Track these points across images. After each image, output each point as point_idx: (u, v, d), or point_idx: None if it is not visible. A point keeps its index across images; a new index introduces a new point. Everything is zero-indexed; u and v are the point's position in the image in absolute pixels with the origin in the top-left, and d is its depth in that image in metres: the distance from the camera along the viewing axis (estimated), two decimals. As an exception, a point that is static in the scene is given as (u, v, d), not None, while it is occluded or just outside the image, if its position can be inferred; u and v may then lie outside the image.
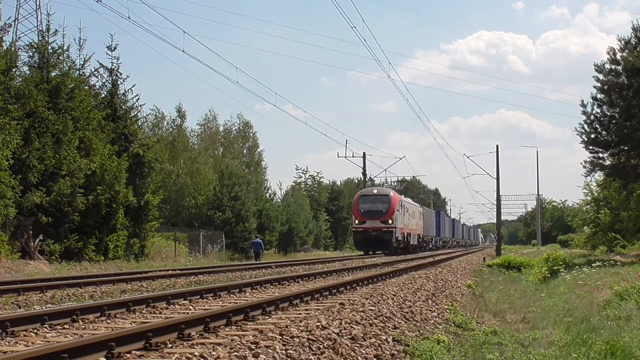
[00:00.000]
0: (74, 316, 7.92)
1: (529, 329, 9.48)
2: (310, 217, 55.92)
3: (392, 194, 39.46)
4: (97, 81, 30.96)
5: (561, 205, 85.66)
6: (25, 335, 6.87)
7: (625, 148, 24.71)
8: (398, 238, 38.54)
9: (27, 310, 8.78)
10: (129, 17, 43.78)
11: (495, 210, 47.98)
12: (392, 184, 77.13)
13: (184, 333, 6.62)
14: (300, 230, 53.22)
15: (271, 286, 13.62)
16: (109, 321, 8.12)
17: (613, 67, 24.36)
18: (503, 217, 79.21)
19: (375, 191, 39.99)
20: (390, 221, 37.20)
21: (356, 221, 38.56)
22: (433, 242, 58.75)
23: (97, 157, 25.62)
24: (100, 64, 30.80)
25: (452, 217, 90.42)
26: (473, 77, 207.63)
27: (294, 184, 68.34)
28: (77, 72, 29.13)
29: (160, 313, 9.02)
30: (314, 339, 6.26)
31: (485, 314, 11.53)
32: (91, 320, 8.07)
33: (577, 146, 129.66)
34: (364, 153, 52.50)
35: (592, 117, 25.04)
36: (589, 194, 39.03)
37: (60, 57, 27.10)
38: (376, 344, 6.89)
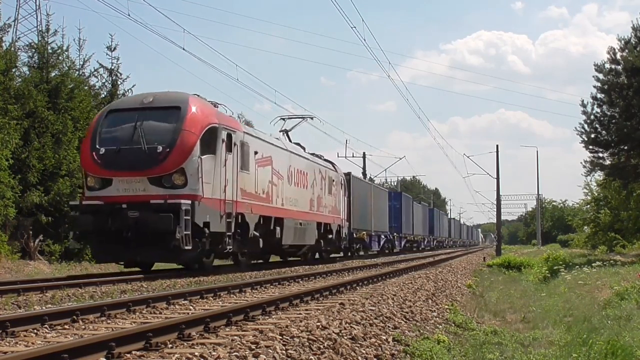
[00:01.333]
0: (74, 316, 7.91)
1: (529, 329, 9.48)
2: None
3: (190, 106, 15.86)
4: (97, 81, 30.93)
5: (561, 205, 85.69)
6: (25, 336, 6.87)
7: (625, 148, 24.73)
8: (211, 228, 15.73)
9: (27, 310, 8.77)
10: (128, 15, 43.72)
11: (495, 210, 47.97)
12: (392, 184, 77.06)
13: (184, 333, 6.62)
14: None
15: (271, 286, 13.61)
16: (109, 321, 8.11)
17: (613, 66, 24.37)
18: (503, 217, 77.89)
19: (149, 99, 16.21)
20: (177, 179, 15.17)
21: (89, 181, 15.81)
22: (383, 241, 38.68)
23: (96, 157, 25.55)
24: (100, 64, 30.74)
25: (432, 208, 67.86)
26: (473, 77, 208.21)
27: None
28: (77, 72, 29.11)
29: (160, 313, 9.01)
30: (314, 339, 6.26)
31: (486, 313, 11.53)
32: (91, 320, 8.06)
33: (577, 146, 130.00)
34: (364, 153, 52.48)
35: (592, 116, 25.07)
36: (589, 193, 39.13)
37: (60, 58, 27.04)
38: (376, 344, 6.89)
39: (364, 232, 33.10)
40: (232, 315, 7.80)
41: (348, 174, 31.38)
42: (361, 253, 34.77)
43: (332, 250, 29.10)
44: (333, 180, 27.09)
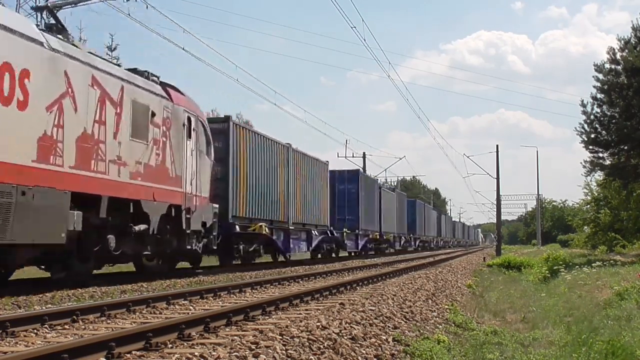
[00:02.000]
0: (74, 316, 7.91)
1: (529, 329, 9.48)
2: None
3: None
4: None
5: (561, 205, 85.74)
6: (25, 336, 6.87)
7: (625, 148, 24.75)
8: None
9: (27, 310, 8.77)
10: (128, 14, 43.77)
11: (495, 210, 47.96)
12: (392, 184, 77.17)
13: (184, 333, 6.62)
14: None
15: (271, 286, 13.62)
16: (109, 321, 8.12)
17: (613, 66, 24.39)
18: (503, 217, 77.03)
19: None
20: None
21: None
22: (318, 240, 26.89)
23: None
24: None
25: (414, 199, 55.44)
26: (473, 77, 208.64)
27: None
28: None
29: (160, 313, 9.01)
30: (314, 339, 6.26)
31: (486, 313, 11.53)
32: (91, 320, 8.06)
33: (577, 146, 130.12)
34: (364, 153, 52.43)
35: (592, 116, 25.09)
36: (589, 193, 39.14)
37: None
38: (376, 344, 6.89)
39: (263, 224, 20.70)
40: (232, 315, 7.80)
41: (225, 119, 19.33)
42: (295, 249, 24.29)
43: (171, 254, 16.11)
44: (154, 115, 14.06)
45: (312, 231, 26.32)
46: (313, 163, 27.48)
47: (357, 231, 32.35)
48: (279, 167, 23.16)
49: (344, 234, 30.73)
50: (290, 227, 23.79)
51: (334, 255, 31.68)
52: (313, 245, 26.41)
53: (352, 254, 34.32)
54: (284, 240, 23.34)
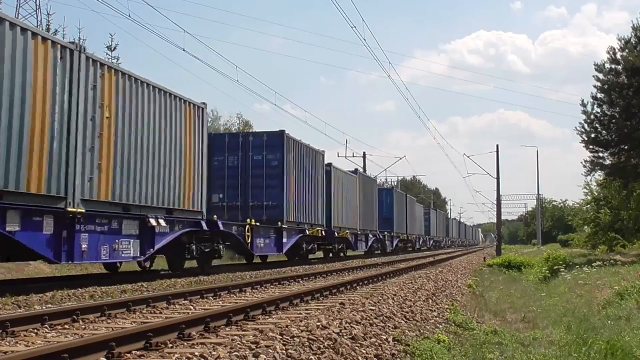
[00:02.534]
0: (74, 316, 7.92)
1: (529, 329, 9.48)
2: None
3: None
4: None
5: (561, 204, 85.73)
6: (25, 335, 6.87)
7: (626, 147, 24.74)
8: None
9: (27, 310, 8.77)
10: (129, 15, 43.57)
11: (495, 209, 47.94)
12: (392, 183, 77.18)
13: (184, 333, 6.62)
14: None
15: (271, 286, 13.63)
16: (109, 321, 8.12)
17: (613, 66, 24.38)
18: (503, 217, 76.36)
19: None
20: None
21: None
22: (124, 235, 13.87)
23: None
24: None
25: (390, 189, 45.10)
26: (472, 76, 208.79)
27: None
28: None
29: (161, 313, 9.02)
30: (314, 338, 6.26)
31: (486, 313, 11.52)
32: (91, 320, 8.07)
33: (577, 146, 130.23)
34: (364, 153, 52.43)
35: (592, 116, 25.08)
36: (589, 193, 39.08)
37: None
38: (376, 343, 6.89)
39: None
40: (232, 315, 7.81)
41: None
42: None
43: None
44: None
45: (152, 220, 14.59)
46: (159, 97, 15.33)
47: (279, 224, 21.69)
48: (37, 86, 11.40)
49: (248, 227, 19.69)
50: (75, 209, 12.23)
51: (214, 262, 19.27)
52: (157, 246, 15.02)
53: (294, 257, 24.15)
54: (56, 236, 11.83)
